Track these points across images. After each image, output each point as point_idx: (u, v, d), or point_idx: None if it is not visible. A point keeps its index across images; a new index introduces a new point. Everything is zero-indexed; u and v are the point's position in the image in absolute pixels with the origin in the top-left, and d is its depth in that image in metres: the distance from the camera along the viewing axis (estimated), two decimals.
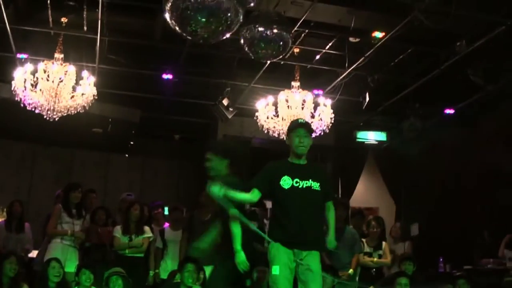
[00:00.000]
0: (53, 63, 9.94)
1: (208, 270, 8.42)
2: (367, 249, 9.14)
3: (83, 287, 7.58)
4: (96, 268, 7.81)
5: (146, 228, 8.77)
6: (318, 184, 5.67)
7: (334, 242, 5.93)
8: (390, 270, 9.25)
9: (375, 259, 9.09)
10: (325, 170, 5.91)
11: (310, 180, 5.66)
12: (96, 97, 10.28)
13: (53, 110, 10.00)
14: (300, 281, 5.72)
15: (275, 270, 5.54)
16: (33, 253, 9.60)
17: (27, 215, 9.76)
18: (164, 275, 8.83)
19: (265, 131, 11.03)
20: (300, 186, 5.63)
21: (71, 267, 8.26)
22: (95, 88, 10.26)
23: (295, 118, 10.51)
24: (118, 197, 10.56)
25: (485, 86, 10.58)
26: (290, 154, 5.84)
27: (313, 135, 10.34)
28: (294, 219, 5.52)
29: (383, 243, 9.30)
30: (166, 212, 10.36)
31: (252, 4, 8.57)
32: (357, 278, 9.03)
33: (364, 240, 9.19)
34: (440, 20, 8.60)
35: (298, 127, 5.84)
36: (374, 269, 9.00)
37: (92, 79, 10.27)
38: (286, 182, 5.63)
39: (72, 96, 10.08)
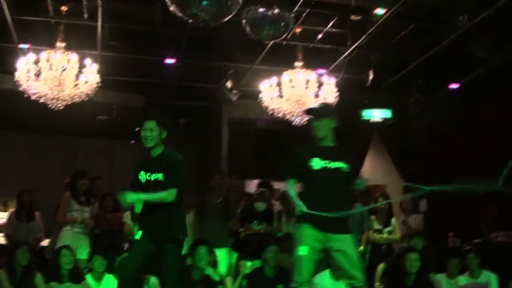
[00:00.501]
0: (55, 52, 9.92)
1: (219, 252, 8.52)
2: (376, 226, 9.17)
3: (96, 273, 7.65)
4: (108, 254, 7.87)
5: None
6: (346, 165, 5.72)
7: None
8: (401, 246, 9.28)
9: (385, 235, 9.12)
10: (350, 153, 5.93)
11: (339, 161, 5.72)
12: (100, 85, 10.28)
13: (57, 99, 10.01)
14: (337, 267, 5.75)
15: (302, 250, 5.55)
16: (45, 242, 9.65)
17: (36, 204, 9.77)
18: None
19: (270, 112, 11.02)
20: (330, 167, 5.68)
21: (82, 254, 8.33)
22: (98, 75, 10.25)
23: (299, 99, 10.63)
24: (125, 184, 10.55)
25: (488, 60, 10.55)
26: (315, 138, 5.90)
27: None
28: (323, 200, 5.54)
29: (392, 219, 9.32)
30: None
31: None
32: (367, 256, 9.07)
33: (373, 217, 9.21)
34: None
35: (314, 112, 5.94)
36: (384, 246, 9.02)
37: (95, 66, 10.25)
38: (316, 163, 5.67)
39: (76, 85, 10.07)
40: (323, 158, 5.70)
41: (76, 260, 7.78)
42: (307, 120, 6.06)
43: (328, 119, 5.86)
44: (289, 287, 5.63)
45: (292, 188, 5.76)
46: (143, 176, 5.90)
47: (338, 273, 5.83)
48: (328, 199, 5.55)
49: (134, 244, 5.99)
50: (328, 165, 5.68)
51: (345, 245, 5.61)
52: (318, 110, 5.99)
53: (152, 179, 5.84)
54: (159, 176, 5.82)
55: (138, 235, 5.82)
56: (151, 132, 5.87)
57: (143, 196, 5.74)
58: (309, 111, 6.09)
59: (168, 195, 5.73)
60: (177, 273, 5.97)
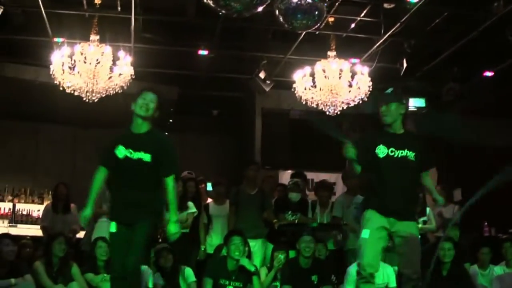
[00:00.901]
0: (89, 45, 9.98)
1: (254, 243, 8.54)
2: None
3: None
4: None
5: (190, 203, 8.82)
6: (414, 154, 5.70)
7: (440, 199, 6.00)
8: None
9: (420, 225, 9.05)
10: (423, 139, 5.90)
11: (406, 149, 5.70)
12: (134, 77, 10.33)
13: (92, 91, 10.09)
14: (398, 253, 5.76)
15: (365, 233, 5.60)
16: (81, 234, 9.75)
17: (72, 196, 9.86)
18: (210, 250, 8.93)
19: (303, 102, 10.99)
20: (395, 156, 5.68)
21: None
22: (132, 67, 10.31)
23: (333, 88, 10.58)
24: None
25: None
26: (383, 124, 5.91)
27: (352, 104, 10.39)
28: (389, 188, 5.58)
29: (427, 208, 9.25)
30: (209, 188, 10.43)
31: None
32: None
33: None
34: None
35: (383, 97, 5.93)
36: (419, 236, 8.96)
37: (129, 58, 10.30)
38: (381, 151, 5.69)
39: (110, 77, 10.14)
40: (388, 145, 5.71)
41: None
42: (378, 104, 5.93)
43: (396, 104, 5.83)
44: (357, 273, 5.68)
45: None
46: (121, 151, 5.63)
47: (399, 258, 5.82)
48: (394, 188, 5.56)
49: (112, 239, 5.79)
50: (394, 153, 5.69)
51: (408, 232, 5.65)
52: (387, 95, 5.95)
53: (134, 158, 5.58)
54: (146, 156, 5.57)
55: (113, 227, 5.66)
56: (152, 104, 5.80)
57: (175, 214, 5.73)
58: (378, 96, 6.03)
59: (173, 184, 5.68)
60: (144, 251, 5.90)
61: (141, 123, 5.77)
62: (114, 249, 5.80)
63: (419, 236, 8.80)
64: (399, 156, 5.67)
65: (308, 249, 7.79)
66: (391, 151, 5.66)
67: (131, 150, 5.62)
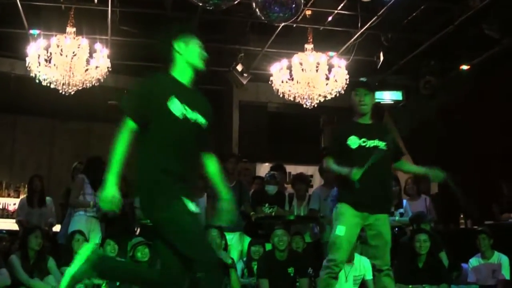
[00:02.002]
0: (65, 37, 9.93)
1: (231, 236, 8.54)
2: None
3: None
4: (120, 238, 7.91)
5: None
6: (385, 143, 5.71)
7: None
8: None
9: (397, 217, 9.11)
10: (390, 129, 5.92)
11: (377, 139, 5.72)
12: (110, 69, 10.28)
13: (68, 84, 10.02)
14: (370, 246, 5.78)
15: (340, 230, 5.60)
16: (57, 227, 9.70)
17: (48, 190, 9.82)
18: None
19: (281, 95, 11.00)
20: (367, 146, 5.69)
21: (95, 239, 8.36)
22: (108, 60, 10.26)
23: (309, 81, 10.58)
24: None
25: (501, 39, 10.46)
26: (354, 114, 5.92)
27: (329, 96, 10.43)
28: (362, 180, 5.50)
29: (404, 201, 9.30)
30: None
31: None
32: None
33: None
34: None
35: (358, 86, 5.91)
36: (396, 228, 9.01)
37: (106, 51, 10.26)
38: (353, 142, 5.68)
39: (86, 70, 10.08)
40: (360, 136, 5.72)
41: None
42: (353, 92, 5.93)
43: (372, 94, 5.86)
44: (324, 266, 5.67)
45: (333, 163, 5.79)
46: (180, 109, 4.28)
47: (371, 250, 5.85)
48: (367, 179, 5.50)
49: None
50: (365, 144, 5.70)
51: (381, 225, 5.68)
52: (369, 84, 5.95)
53: (193, 120, 4.34)
54: (202, 120, 4.43)
55: None
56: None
57: None
58: (360, 84, 6.00)
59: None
60: None
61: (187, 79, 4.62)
62: None
63: (395, 228, 8.99)
64: (371, 146, 5.68)
65: (282, 243, 7.77)
66: (363, 142, 5.69)
67: (189, 109, 4.38)
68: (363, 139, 5.70)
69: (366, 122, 5.86)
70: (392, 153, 5.79)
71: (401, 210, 9.25)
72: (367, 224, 5.68)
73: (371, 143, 5.70)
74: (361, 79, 6.12)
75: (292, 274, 7.76)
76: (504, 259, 8.30)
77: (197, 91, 4.61)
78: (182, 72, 4.53)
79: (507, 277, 8.21)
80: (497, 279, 8.22)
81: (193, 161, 4.35)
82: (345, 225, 5.61)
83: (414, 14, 10.59)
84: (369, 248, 5.89)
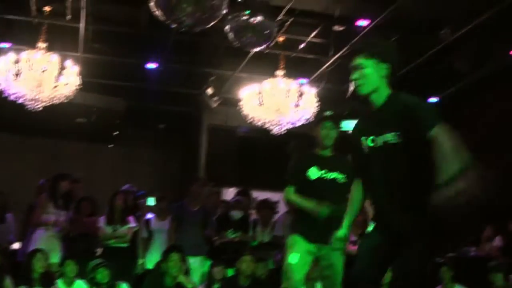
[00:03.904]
0: (36, 52, 9.82)
1: (193, 260, 8.46)
2: (354, 237, 9.13)
3: (68, 278, 7.57)
4: (81, 259, 7.80)
5: (130, 218, 8.75)
6: (344, 176, 5.70)
7: None
8: None
9: None
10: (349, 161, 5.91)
11: (337, 171, 5.73)
12: (80, 87, 10.18)
13: (36, 100, 9.90)
14: (322, 275, 5.83)
15: (292, 258, 5.58)
16: (15, 245, 9.53)
17: (10, 206, 9.64)
18: (150, 266, 8.80)
19: (250, 120, 10.99)
20: (326, 178, 5.70)
21: (55, 258, 8.22)
22: (79, 77, 10.15)
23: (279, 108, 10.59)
24: (103, 188, 10.50)
25: (470, 74, 10.58)
26: (316, 146, 5.92)
27: (298, 124, 10.42)
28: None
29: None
30: (149, 203, 10.32)
31: None
32: None
33: None
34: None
35: (326, 120, 5.88)
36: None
37: (76, 68, 10.16)
38: (313, 173, 5.67)
39: (56, 86, 9.96)
40: (321, 168, 5.73)
41: (48, 264, 7.69)
42: (317, 124, 5.94)
43: (338, 128, 5.87)
44: None
45: (293, 194, 5.81)
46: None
47: (323, 280, 5.86)
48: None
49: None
50: (325, 175, 5.72)
51: (333, 257, 5.64)
52: (336, 118, 5.96)
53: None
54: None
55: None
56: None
57: None
58: (327, 118, 5.98)
59: None
60: None
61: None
62: None
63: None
64: (330, 178, 5.71)
65: (249, 269, 7.75)
66: (323, 173, 5.71)
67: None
68: (324, 171, 5.73)
69: (327, 154, 5.88)
70: (348, 187, 5.80)
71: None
72: (320, 255, 5.68)
73: (330, 175, 5.72)
74: (328, 112, 6.12)
75: None
76: None
77: None
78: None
79: None
80: None
81: None
82: (297, 252, 5.61)
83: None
84: (321, 278, 5.91)
